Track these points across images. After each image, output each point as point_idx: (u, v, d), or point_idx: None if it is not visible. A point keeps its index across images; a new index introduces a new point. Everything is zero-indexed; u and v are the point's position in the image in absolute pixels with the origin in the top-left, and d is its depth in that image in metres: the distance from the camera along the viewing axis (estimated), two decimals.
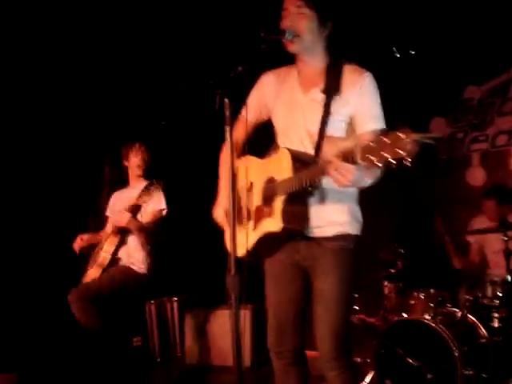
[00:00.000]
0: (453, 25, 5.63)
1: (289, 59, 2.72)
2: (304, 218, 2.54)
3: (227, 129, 2.25)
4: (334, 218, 2.59)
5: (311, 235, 2.59)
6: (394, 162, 1.97)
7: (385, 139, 2.00)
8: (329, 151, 2.51)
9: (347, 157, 2.18)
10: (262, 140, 2.82)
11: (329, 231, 2.59)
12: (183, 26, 5.37)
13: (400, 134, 1.96)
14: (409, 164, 1.96)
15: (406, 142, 1.95)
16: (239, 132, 2.80)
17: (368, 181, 2.41)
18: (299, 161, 2.51)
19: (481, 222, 5.06)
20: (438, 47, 5.92)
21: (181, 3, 5.11)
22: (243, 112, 2.78)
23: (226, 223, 2.75)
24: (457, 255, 5.13)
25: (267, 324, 2.78)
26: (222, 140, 2.26)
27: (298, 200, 2.52)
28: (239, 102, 2.42)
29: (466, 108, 6.05)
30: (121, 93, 5.97)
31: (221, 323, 5.21)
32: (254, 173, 2.76)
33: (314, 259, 2.61)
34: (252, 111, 2.81)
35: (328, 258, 2.58)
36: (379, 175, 2.44)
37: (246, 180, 2.74)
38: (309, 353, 2.85)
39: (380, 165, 2.03)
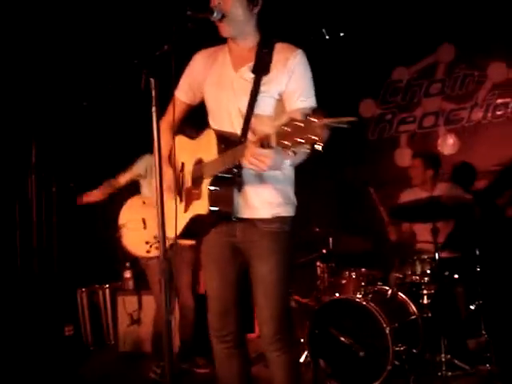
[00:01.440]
0: (382, 7, 5.70)
1: (220, 38, 2.67)
2: (232, 200, 2.52)
3: (154, 109, 2.17)
4: (269, 199, 2.57)
5: (247, 217, 2.57)
6: (308, 146, 1.96)
7: (298, 124, 1.99)
8: (256, 130, 2.48)
9: (263, 142, 2.17)
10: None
11: (265, 213, 2.57)
12: (109, 4, 5.20)
13: (312, 119, 1.95)
14: (320, 149, 1.95)
15: (318, 126, 1.94)
16: (174, 112, 2.74)
17: (289, 162, 2.41)
18: (224, 142, 2.47)
19: (410, 195, 5.16)
20: (367, 29, 5.98)
21: None
22: (176, 92, 2.74)
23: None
24: (392, 225, 5.21)
25: (208, 308, 2.74)
26: (149, 120, 2.19)
27: (225, 182, 2.49)
28: (166, 82, 2.35)
29: (394, 89, 6.14)
30: (41, 74, 5.74)
31: (154, 309, 5.15)
32: (185, 153, 2.72)
33: (250, 242, 2.60)
34: (185, 91, 2.78)
35: (265, 241, 2.57)
36: (302, 156, 2.43)
37: (176, 160, 2.70)
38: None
39: (293, 149, 2.03)
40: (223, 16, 2.51)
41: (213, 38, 2.63)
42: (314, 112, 1.97)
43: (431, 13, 5.66)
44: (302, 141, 1.97)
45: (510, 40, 5.44)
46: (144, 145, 2.67)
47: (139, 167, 4.64)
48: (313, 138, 1.95)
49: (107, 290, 5.96)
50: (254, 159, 2.23)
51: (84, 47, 5.57)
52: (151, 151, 2.21)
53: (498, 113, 5.57)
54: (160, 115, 2.22)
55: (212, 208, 2.47)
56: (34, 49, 5.50)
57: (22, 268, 5.62)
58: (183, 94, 2.78)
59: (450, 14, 5.62)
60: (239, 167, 2.41)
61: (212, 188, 2.47)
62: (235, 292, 2.70)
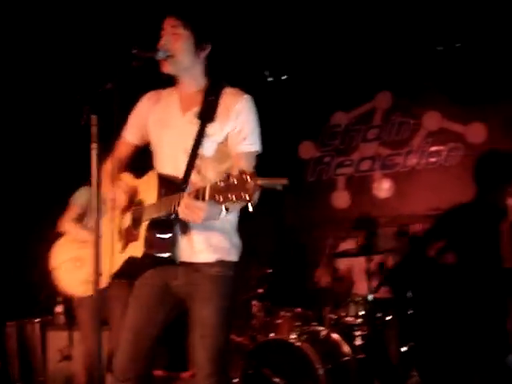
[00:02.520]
0: (324, 53, 5.87)
1: (166, 77, 2.68)
2: (169, 245, 2.49)
3: (93, 146, 2.16)
4: (213, 243, 2.56)
5: (190, 261, 2.55)
6: (239, 204, 2.01)
7: (232, 181, 2.03)
8: (205, 176, 2.53)
9: (198, 195, 2.20)
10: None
11: (208, 257, 2.55)
12: (54, 37, 5.17)
13: (246, 178, 2.00)
14: (250, 208, 2.00)
15: (250, 185, 1.98)
16: (121, 152, 2.74)
17: (222, 213, 2.36)
18: (165, 186, 2.47)
19: (348, 245, 5.26)
20: (309, 74, 6.14)
21: (55, 14, 4.93)
22: (124, 132, 2.73)
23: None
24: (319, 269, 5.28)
25: (117, 347, 2.64)
26: (88, 155, 2.17)
27: (163, 227, 2.47)
28: (109, 119, 2.34)
29: (333, 133, 6.29)
30: None
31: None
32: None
33: (193, 285, 2.56)
34: (133, 132, 2.75)
35: (208, 284, 2.54)
36: (238, 207, 2.44)
37: (119, 200, 2.62)
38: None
39: (224, 205, 2.07)
40: (169, 56, 2.52)
41: (158, 77, 2.64)
42: (249, 171, 2.02)
43: (370, 61, 5.87)
44: (234, 198, 2.01)
45: (444, 90, 5.69)
46: (82, 180, 2.65)
47: (80, 200, 4.52)
48: (244, 197, 1.99)
49: (37, 325, 5.77)
50: (187, 210, 2.24)
51: (27, 80, 5.51)
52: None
53: (432, 160, 5.78)
54: (101, 152, 2.20)
55: (147, 252, 2.44)
56: None
57: None
58: (130, 135, 2.76)
59: (388, 63, 5.84)
60: (171, 213, 2.40)
61: (148, 232, 2.45)
62: (154, 336, 2.62)
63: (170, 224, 2.47)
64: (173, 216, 2.39)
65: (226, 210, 2.12)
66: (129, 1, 4.78)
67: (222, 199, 2.05)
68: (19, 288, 5.91)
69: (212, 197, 2.10)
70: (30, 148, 5.73)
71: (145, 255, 2.44)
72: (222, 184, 2.05)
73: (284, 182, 2.01)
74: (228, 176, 2.05)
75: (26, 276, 5.96)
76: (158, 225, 2.45)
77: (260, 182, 1.98)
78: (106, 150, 2.45)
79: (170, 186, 2.47)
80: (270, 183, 1.99)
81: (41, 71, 5.44)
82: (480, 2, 5.01)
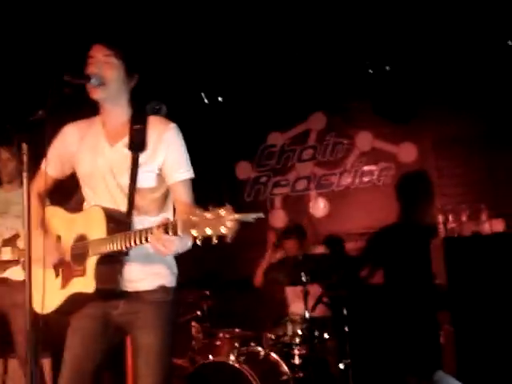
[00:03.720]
0: (258, 75, 5.96)
1: (93, 107, 2.67)
2: (118, 277, 2.49)
3: (24, 175, 2.14)
4: (153, 271, 2.56)
5: (132, 290, 2.54)
6: (215, 237, 2.04)
7: (207, 215, 2.05)
8: (142, 205, 2.55)
9: (168, 229, 2.20)
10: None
11: (149, 285, 2.56)
12: None
13: (222, 212, 2.02)
14: (229, 241, 2.03)
15: (227, 220, 2.01)
16: (40, 184, 2.68)
17: (189, 243, 2.40)
18: (113, 221, 2.46)
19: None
20: (244, 95, 6.22)
21: None
22: (43, 164, 2.64)
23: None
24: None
25: (59, 377, 2.60)
26: None
27: (112, 259, 2.46)
28: (40, 147, 2.32)
29: (269, 153, 6.36)
30: None
31: (21, 373, 4.89)
32: (61, 226, 2.66)
33: (133, 313, 2.55)
34: (53, 164, 2.69)
35: (149, 311, 2.54)
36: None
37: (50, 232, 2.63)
38: None
39: (199, 238, 2.07)
40: (100, 84, 2.52)
41: (90, 104, 2.63)
42: (224, 206, 2.04)
43: (304, 82, 5.99)
44: (210, 232, 2.03)
45: (375, 111, 5.85)
46: None
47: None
48: (222, 231, 2.01)
49: None
50: (158, 244, 2.25)
51: None
52: None
53: (365, 179, 5.92)
54: (31, 181, 2.18)
55: (99, 287, 2.42)
56: None
57: None
58: (51, 168, 2.69)
59: (321, 84, 5.97)
60: (129, 248, 2.39)
61: (99, 267, 2.43)
62: (94, 367, 2.59)
63: (118, 258, 2.46)
64: (124, 249, 2.38)
65: (200, 241, 2.13)
66: (60, 28, 4.74)
67: (196, 234, 2.06)
68: None
69: (186, 231, 2.11)
70: None
71: (97, 290, 2.43)
72: (195, 219, 2.07)
73: (260, 215, 2.05)
74: (202, 211, 2.07)
75: None
76: (108, 259, 2.44)
77: (237, 216, 2.01)
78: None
79: (118, 221, 2.47)
80: (246, 217, 2.02)
81: None
82: (408, 26, 5.20)
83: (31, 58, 5.01)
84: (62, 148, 2.70)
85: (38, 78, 3.28)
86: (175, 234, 2.18)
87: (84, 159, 2.65)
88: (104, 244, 2.42)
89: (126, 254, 2.45)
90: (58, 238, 2.66)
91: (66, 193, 2.76)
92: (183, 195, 2.58)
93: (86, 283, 2.46)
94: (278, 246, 5.50)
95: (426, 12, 5.00)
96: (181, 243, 2.30)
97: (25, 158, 2.13)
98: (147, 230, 2.29)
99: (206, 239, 2.04)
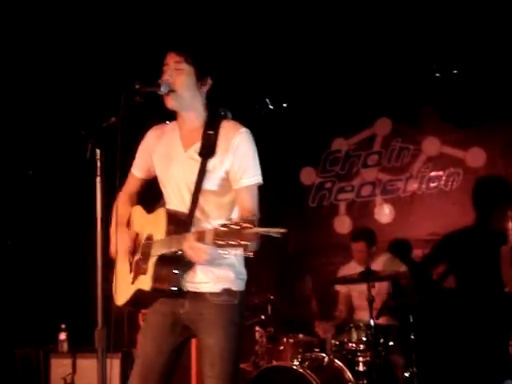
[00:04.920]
0: (323, 80, 5.96)
1: (168, 111, 2.74)
2: (176, 279, 2.55)
3: (98, 180, 2.22)
4: (219, 274, 2.61)
5: (197, 290, 2.60)
6: (238, 249, 2.07)
7: (234, 227, 2.10)
8: (207, 211, 2.61)
9: (199, 237, 2.26)
10: None
11: (214, 287, 2.61)
12: (56, 72, 5.26)
13: (246, 225, 2.07)
14: (251, 255, 2.06)
15: (248, 234, 2.06)
16: (130, 186, 2.84)
17: (226, 254, 2.43)
18: (173, 223, 2.53)
19: (349, 269, 5.28)
20: (309, 101, 6.22)
21: (56, 45, 5.02)
22: (132, 167, 2.83)
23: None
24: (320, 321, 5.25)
25: (131, 373, 2.71)
26: (93, 190, 2.24)
27: (171, 261, 2.52)
28: (112, 153, 2.40)
29: (333, 159, 6.34)
30: None
31: (90, 373, 5.03)
32: (139, 225, 2.77)
33: (199, 314, 2.61)
34: (140, 167, 2.85)
35: (213, 313, 2.59)
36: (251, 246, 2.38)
37: (132, 230, 2.74)
38: None
39: (224, 249, 2.15)
40: (171, 91, 2.58)
41: (160, 112, 2.70)
42: (251, 218, 2.13)
43: (369, 87, 5.94)
44: (234, 243, 2.08)
45: (443, 116, 5.75)
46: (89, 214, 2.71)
47: None
48: (243, 243, 2.07)
49: (40, 352, 5.78)
50: (191, 251, 2.32)
51: (31, 114, 5.60)
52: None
53: (432, 185, 5.81)
54: (105, 186, 2.27)
55: (155, 286, 2.51)
56: None
57: None
58: (138, 170, 2.86)
59: (386, 90, 5.91)
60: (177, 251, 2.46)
61: (157, 267, 2.51)
62: (164, 363, 2.67)
63: (177, 259, 2.51)
64: (179, 252, 2.44)
65: (225, 252, 2.18)
66: (132, 36, 4.88)
67: (222, 244, 2.12)
68: (24, 315, 5.94)
69: (213, 241, 2.16)
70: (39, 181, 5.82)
71: (152, 289, 2.51)
72: (223, 229, 2.12)
73: (282, 231, 2.08)
74: (229, 221, 2.13)
75: (30, 303, 6.00)
76: (165, 260, 2.51)
77: (258, 230, 2.04)
78: (109, 183, 2.51)
79: (178, 223, 2.54)
80: (269, 232, 2.05)
81: (45, 106, 5.54)
82: (477, 29, 5.09)
83: (105, 66, 5.17)
84: (145, 151, 2.84)
85: (111, 85, 3.38)
86: (203, 242, 2.23)
87: (160, 163, 2.75)
88: (162, 245, 2.51)
89: (182, 255, 2.48)
90: (137, 236, 2.77)
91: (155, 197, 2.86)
92: (245, 201, 2.59)
93: (146, 281, 2.55)
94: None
95: (496, 14, 4.88)
96: (213, 253, 2.32)
97: (98, 163, 2.21)
98: (185, 236, 2.36)
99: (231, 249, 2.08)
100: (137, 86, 2.44)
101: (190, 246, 2.32)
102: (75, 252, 5.89)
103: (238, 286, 2.66)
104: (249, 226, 2.07)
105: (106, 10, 4.63)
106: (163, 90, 2.56)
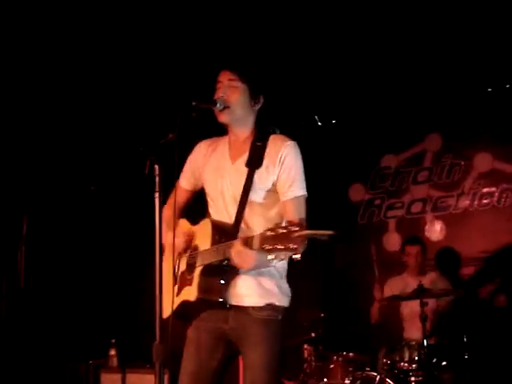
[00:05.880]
0: (372, 96, 5.93)
1: (222, 130, 2.78)
2: (221, 290, 2.56)
3: (156, 195, 2.26)
4: (262, 288, 2.61)
5: (239, 304, 2.60)
6: (286, 253, 2.06)
7: (281, 231, 2.10)
8: (251, 219, 2.61)
9: (246, 243, 2.28)
10: None
11: (257, 301, 2.60)
12: (114, 91, 5.40)
13: (293, 228, 2.07)
14: (298, 258, 2.05)
15: (297, 236, 2.05)
16: (177, 197, 2.82)
17: (277, 260, 2.35)
18: (219, 233, 2.55)
19: (396, 283, 5.23)
20: (358, 117, 6.20)
21: (114, 66, 5.16)
22: (180, 179, 2.85)
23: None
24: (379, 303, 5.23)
25: None
26: (151, 206, 2.27)
27: (216, 271, 2.54)
28: (170, 169, 2.44)
29: (383, 175, 6.28)
30: (49, 153, 5.90)
31: None
32: (184, 237, 2.77)
33: (242, 329, 2.61)
34: (187, 179, 2.88)
35: (256, 328, 2.59)
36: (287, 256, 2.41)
37: (177, 244, 2.70)
38: None
39: (273, 253, 2.12)
40: (225, 107, 2.63)
41: (215, 128, 2.74)
42: (297, 222, 2.11)
43: (419, 103, 5.89)
44: (282, 247, 2.08)
45: (495, 131, 5.65)
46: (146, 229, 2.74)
47: None
48: (291, 247, 2.06)
49: (90, 367, 5.85)
50: (238, 257, 2.33)
51: (92, 132, 5.75)
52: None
53: (484, 201, 5.71)
54: (163, 202, 2.30)
55: (200, 296, 2.52)
56: (42, 126, 5.66)
57: (9, 339, 5.58)
58: (185, 182, 2.89)
59: (437, 105, 5.85)
60: (227, 260, 2.46)
61: (202, 277, 2.53)
62: (211, 380, 2.67)
63: (222, 269, 2.53)
64: (225, 262, 2.45)
65: (275, 257, 2.17)
66: (189, 55, 4.97)
67: (270, 248, 2.11)
68: (76, 330, 6.04)
69: (260, 246, 2.17)
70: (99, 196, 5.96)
71: (198, 299, 2.53)
72: (270, 233, 2.13)
73: (330, 233, 2.07)
74: (276, 226, 2.12)
75: (81, 318, 6.10)
76: (211, 270, 2.53)
77: (306, 232, 2.04)
78: (166, 199, 2.55)
79: (223, 233, 2.56)
80: (317, 234, 2.04)
81: (105, 123, 5.68)
82: None
83: (163, 84, 5.29)
84: (193, 163, 2.87)
85: (169, 103, 3.45)
86: (251, 247, 2.22)
87: (208, 179, 2.78)
88: (207, 255, 2.52)
89: (227, 266, 2.50)
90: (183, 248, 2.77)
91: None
92: (292, 213, 2.58)
93: (191, 292, 2.57)
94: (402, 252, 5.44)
95: None
96: (261, 259, 2.32)
97: (157, 179, 2.24)
98: (232, 243, 2.37)
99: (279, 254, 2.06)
100: (193, 103, 2.48)
101: (237, 252, 2.32)
102: (128, 268, 5.98)
103: (281, 301, 2.66)
104: (296, 228, 2.05)
105: (165, 29, 4.74)
106: (218, 106, 2.61)
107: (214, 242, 2.52)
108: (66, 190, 5.83)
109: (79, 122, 5.68)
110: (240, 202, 2.61)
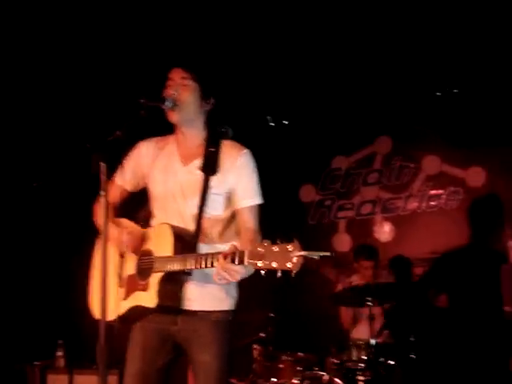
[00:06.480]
0: (324, 99, 5.98)
1: (169, 128, 2.74)
2: (180, 296, 2.54)
3: (102, 193, 2.21)
4: (212, 293, 2.60)
5: (190, 308, 2.58)
6: (280, 271, 2.05)
7: (274, 248, 2.09)
8: (210, 230, 2.60)
9: (235, 258, 2.24)
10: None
11: (205, 305, 2.60)
12: (61, 86, 5.29)
13: (289, 248, 2.05)
14: (293, 275, 2.04)
15: (294, 255, 2.04)
16: (113, 196, 2.76)
17: (251, 271, 2.38)
18: (180, 241, 2.51)
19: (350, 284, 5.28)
20: (310, 119, 6.24)
21: (61, 60, 5.05)
22: (117, 177, 2.77)
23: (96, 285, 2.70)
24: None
25: None
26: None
27: (175, 278, 2.51)
28: (117, 167, 2.40)
29: (333, 177, 6.34)
30: None
31: None
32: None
33: (192, 331, 2.60)
34: (127, 178, 2.79)
35: (207, 329, 2.59)
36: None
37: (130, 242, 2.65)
38: None
39: (265, 270, 2.10)
40: (175, 105, 2.58)
41: (164, 126, 2.70)
42: (291, 241, 2.08)
43: (370, 106, 5.96)
44: (276, 266, 2.06)
45: (443, 135, 5.76)
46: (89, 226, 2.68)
47: None
48: (288, 266, 2.04)
49: (37, 368, 5.73)
50: (224, 273, 2.29)
51: (38, 128, 5.62)
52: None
53: (432, 203, 5.82)
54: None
55: (160, 303, 2.48)
56: None
57: None
58: (123, 180, 2.79)
59: (387, 108, 5.94)
60: (193, 269, 2.43)
61: (163, 284, 2.49)
62: (156, 381, 2.65)
63: (180, 276, 2.51)
64: (187, 270, 2.42)
65: (264, 272, 2.14)
66: (138, 52, 4.90)
67: (262, 265, 2.10)
68: (22, 331, 5.91)
69: (252, 262, 2.15)
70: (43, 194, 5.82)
71: (158, 306, 2.49)
72: (262, 250, 2.11)
73: (327, 254, 2.07)
74: (269, 243, 2.11)
75: (28, 318, 5.97)
76: (171, 277, 2.50)
77: (304, 253, 2.03)
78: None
79: (185, 242, 2.53)
80: (313, 254, 2.04)
81: (52, 120, 5.56)
82: (477, 49, 5.12)
83: (110, 81, 5.20)
84: (136, 162, 2.78)
85: (117, 100, 3.39)
86: (241, 263, 2.21)
87: (156, 179, 2.72)
88: (170, 262, 2.46)
89: (190, 274, 2.49)
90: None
91: (132, 209, 2.82)
92: (249, 221, 2.61)
93: (148, 298, 2.51)
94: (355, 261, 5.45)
95: (495, 34, 4.91)
96: (246, 272, 2.33)
97: (103, 177, 2.19)
98: (213, 256, 2.34)
99: (271, 272, 2.05)
100: (142, 101, 2.44)
101: (223, 268, 2.28)
102: (76, 267, 5.86)
103: (229, 304, 2.67)
104: (291, 247, 2.05)
105: (114, 25, 4.67)
106: (168, 104, 2.57)
107: (177, 251, 2.48)
108: (7, 187, 5.68)
109: (25, 118, 5.54)
110: (199, 210, 2.59)
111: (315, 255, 2.05)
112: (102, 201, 2.23)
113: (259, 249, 2.12)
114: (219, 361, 2.58)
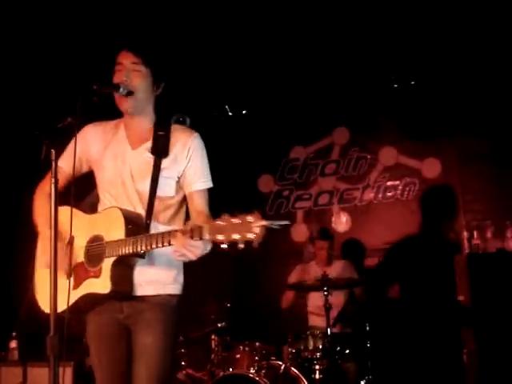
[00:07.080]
0: (282, 88, 5.98)
1: (117, 112, 2.69)
2: (132, 280, 2.51)
3: (53, 181, 2.16)
4: (157, 278, 2.57)
5: (135, 294, 2.54)
6: (242, 243, 2.03)
7: (234, 220, 2.06)
8: (161, 214, 2.57)
9: (194, 234, 2.20)
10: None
11: (151, 290, 2.57)
12: (11, 72, 5.15)
13: (249, 218, 2.03)
14: (256, 246, 2.03)
15: (255, 225, 2.02)
16: (58, 181, 2.65)
17: (209, 247, 2.38)
18: (131, 223, 2.46)
19: (307, 269, 5.31)
20: (268, 109, 6.23)
21: (14, 48, 4.92)
22: (60, 161, 2.57)
23: (42, 276, 2.63)
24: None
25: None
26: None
27: (128, 262, 2.48)
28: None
29: (291, 167, 6.35)
30: None
31: (41, 381, 4.90)
32: (75, 226, 2.51)
33: (137, 315, 2.56)
34: (70, 161, 2.58)
35: (151, 312, 2.55)
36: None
37: (62, 232, 2.52)
38: None
39: (226, 243, 2.08)
40: (129, 93, 2.54)
41: (116, 113, 2.65)
42: (252, 212, 2.05)
43: (328, 97, 5.99)
44: (238, 237, 2.04)
45: (400, 127, 5.83)
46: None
47: None
48: (249, 237, 2.02)
49: None
50: (184, 249, 2.25)
51: None
52: None
53: (388, 194, 5.88)
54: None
55: (114, 288, 2.43)
56: None
57: None
58: (67, 164, 2.65)
59: (345, 99, 5.98)
60: (148, 250, 2.39)
61: (116, 268, 2.44)
62: (123, 369, 2.60)
63: (132, 260, 2.47)
64: (141, 252, 2.38)
65: (227, 246, 2.12)
66: (91, 37, 4.81)
67: (223, 239, 2.07)
68: None
69: (212, 236, 2.12)
70: None
71: (112, 292, 2.44)
72: (221, 223, 2.08)
73: (286, 223, 2.09)
74: (228, 216, 2.08)
75: None
76: (124, 261, 2.45)
77: (265, 222, 2.01)
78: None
79: (137, 224, 2.48)
80: (273, 224, 2.03)
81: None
82: (434, 41, 5.18)
83: (61, 65, 5.08)
84: (81, 146, 2.65)
85: (68, 85, 3.31)
86: (201, 238, 2.18)
87: (104, 163, 2.66)
88: (123, 245, 2.41)
89: (143, 256, 2.46)
90: (72, 238, 2.57)
91: (78, 195, 2.74)
92: (200, 204, 2.60)
93: (101, 284, 2.46)
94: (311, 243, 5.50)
95: (453, 27, 4.99)
96: (205, 248, 2.30)
97: (53, 164, 2.14)
98: (170, 233, 2.30)
99: (233, 244, 2.04)
100: (94, 87, 2.38)
101: (183, 244, 2.24)
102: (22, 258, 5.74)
103: (176, 289, 2.64)
104: (251, 218, 2.02)
105: (64, 8, 4.57)
106: (122, 91, 2.51)
107: (129, 233, 2.42)
108: None
109: None
110: (150, 192, 2.55)
111: (276, 224, 2.05)
112: (52, 188, 2.17)
113: (218, 222, 2.10)
114: (162, 342, 2.54)
